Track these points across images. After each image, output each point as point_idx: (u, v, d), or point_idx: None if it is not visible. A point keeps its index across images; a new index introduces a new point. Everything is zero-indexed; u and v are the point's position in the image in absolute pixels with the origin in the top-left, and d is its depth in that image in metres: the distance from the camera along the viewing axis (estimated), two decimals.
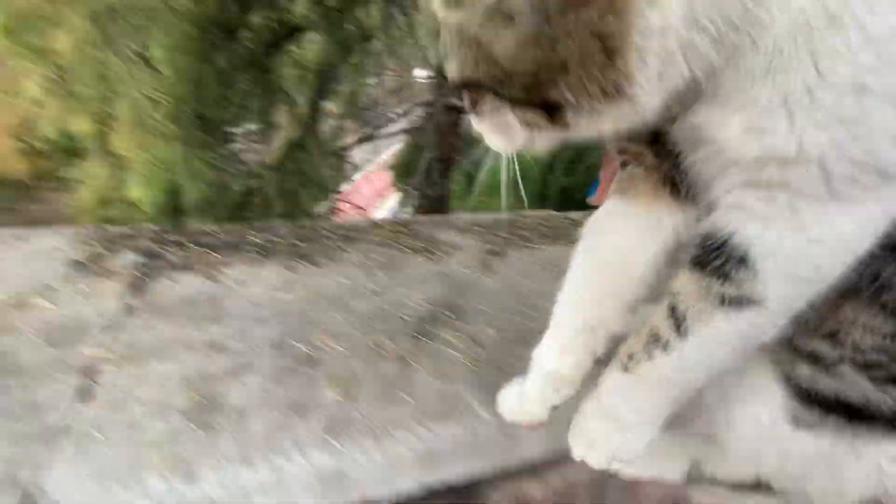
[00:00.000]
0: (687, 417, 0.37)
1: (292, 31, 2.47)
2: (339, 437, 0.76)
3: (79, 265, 1.11)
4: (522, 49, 0.27)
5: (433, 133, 4.01)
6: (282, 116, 3.01)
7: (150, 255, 1.20)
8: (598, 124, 0.30)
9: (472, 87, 0.33)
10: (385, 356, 0.95)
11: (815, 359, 0.33)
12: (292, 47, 2.60)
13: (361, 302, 1.12)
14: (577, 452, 0.42)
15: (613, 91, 0.28)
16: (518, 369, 0.55)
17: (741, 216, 0.31)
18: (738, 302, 0.31)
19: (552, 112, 0.30)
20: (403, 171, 4.92)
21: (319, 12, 2.28)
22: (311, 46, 2.87)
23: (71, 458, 0.68)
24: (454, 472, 0.85)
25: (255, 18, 2.02)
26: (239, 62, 2.03)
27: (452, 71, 0.33)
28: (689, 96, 0.29)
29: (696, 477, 0.42)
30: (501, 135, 0.34)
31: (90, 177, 1.43)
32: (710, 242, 0.33)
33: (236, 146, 2.57)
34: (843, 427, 0.34)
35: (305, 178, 3.16)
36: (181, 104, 1.11)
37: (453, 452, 0.83)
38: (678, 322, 0.33)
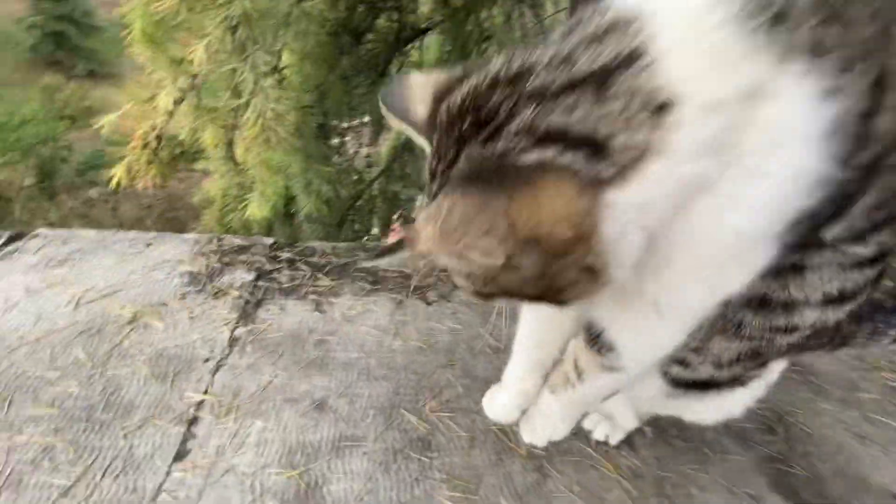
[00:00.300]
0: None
1: (415, 33, 2.38)
2: None
3: (194, 280, 1.08)
4: (527, 284, 0.36)
5: None
6: None
7: (262, 273, 1.13)
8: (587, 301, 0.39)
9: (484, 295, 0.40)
10: (513, 450, 0.76)
11: (684, 363, 0.54)
12: (413, 49, 2.51)
13: (480, 361, 0.94)
14: (526, 438, 0.65)
15: (599, 287, 0.36)
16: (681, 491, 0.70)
17: (609, 321, 0.47)
18: (610, 369, 0.50)
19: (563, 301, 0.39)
20: None
21: (445, 13, 2.15)
22: (429, 49, 2.77)
23: None
24: None
25: (381, 21, 1.94)
26: (361, 66, 1.96)
27: (466, 288, 0.40)
28: None
29: None
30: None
31: (212, 188, 1.47)
32: (592, 330, 0.50)
33: (346, 145, 2.55)
34: (692, 391, 0.57)
35: (409, 180, 3.10)
36: (306, 115, 1.02)
37: None
38: (579, 373, 0.54)
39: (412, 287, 1.15)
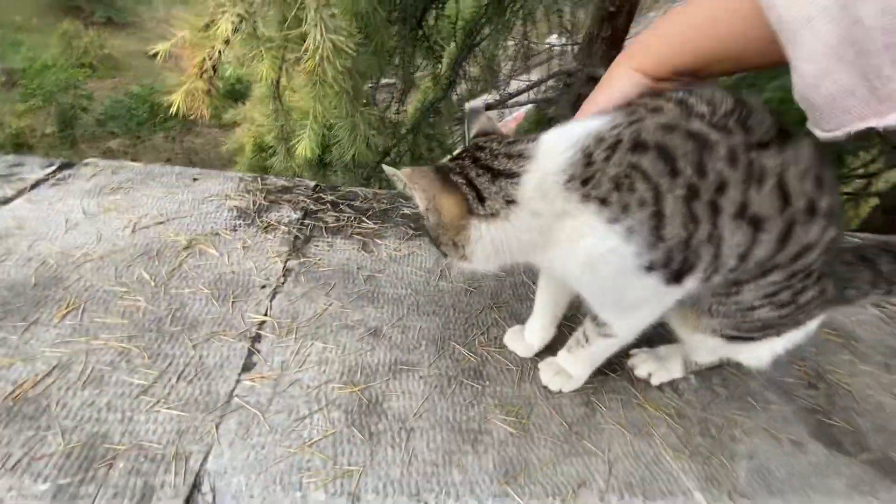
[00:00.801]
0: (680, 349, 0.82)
1: None
2: (520, 489, 0.62)
3: (244, 214, 1.09)
4: (430, 229, 0.67)
5: (570, 104, 3.66)
6: (422, 75, 2.90)
7: (308, 212, 1.15)
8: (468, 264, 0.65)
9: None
10: None
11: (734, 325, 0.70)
12: (448, 2, 2.44)
13: (524, 306, 0.96)
14: (544, 380, 0.78)
15: (461, 258, 0.65)
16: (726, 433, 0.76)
17: (596, 308, 0.68)
18: (606, 336, 0.70)
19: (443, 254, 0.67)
20: None
21: None
22: (466, 3, 2.68)
23: (236, 440, 0.63)
24: None
25: None
26: (398, 15, 1.91)
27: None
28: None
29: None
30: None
31: (246, 135, 1.46)
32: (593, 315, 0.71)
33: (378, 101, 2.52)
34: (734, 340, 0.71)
35: (436, 140, 3.06)
36: (358, 53, 1.00)
37: None
38: (586, 338, 0.73)
39: None
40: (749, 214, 0.55)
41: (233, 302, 0.85)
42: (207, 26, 0.97)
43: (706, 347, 0.74)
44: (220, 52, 0.94)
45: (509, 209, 0.59)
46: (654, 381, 0.81)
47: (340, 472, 0.61)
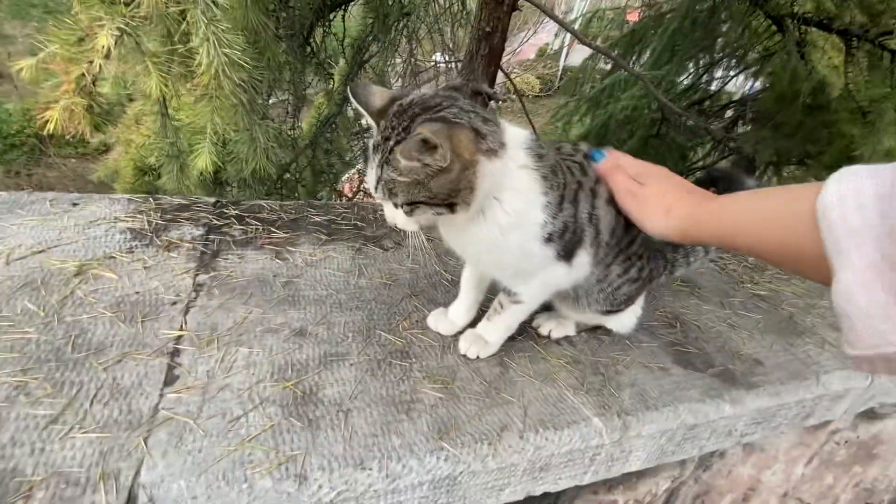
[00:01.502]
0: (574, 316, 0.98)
1: (338, 3, 2.36)
2: (453, 441, 0.70)
3: (139, 235, 1.04)
4: (447, 183, 0.66)
5: None
6: (314, 91, 2.90)
7: (211, 228, 1.12)
8: (466, 212, 0.70)
9: (412, 203, 0.69)
10: None
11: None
12: (335, 20, 2.49)
13: (439, 292, 1.05)
14: (462, 349, 0.88)
15: (471, 200, 0.69)
16: (612, 370, 0.93)
17: (505, 280, 0.84)
18: (517, 302, 0.84)
19: (451, 207, 0.69)
20: None
21: None
22: (352, 22, 2.75)
23: (169, 449, 0.62)
24: (560, 482, 0.80)
25: None
26: (286, 30, 1.93)
27: (402, 199, 0.70)
28: None
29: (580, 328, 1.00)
30: (418, 222, 0.73)
31: (133, 144, 1.35)
32: (503, 284, 0.85)
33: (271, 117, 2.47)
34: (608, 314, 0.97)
35: (335, 155, 3.07)
36: (252, 67, 1.03)
37: (566, 463, 0.77)
38: (501, 305, 0.86)
39: (367, 237, 1.21)
40: (614, 202, 0.81)
41: (142, 321, 0.82)
42: (81, 40, 0.92)
43: (588, 320, 0.98)
44: (100, 66, 0.90)
45: (502, 150, 0.69)
46: (554, 336, 0.96)
47: (284, 458, 0.63)
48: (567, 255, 0.79)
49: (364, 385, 0.77)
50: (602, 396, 0.84)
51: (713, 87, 3.26)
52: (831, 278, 0.45)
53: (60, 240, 0.98)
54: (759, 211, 0.59)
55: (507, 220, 0.72)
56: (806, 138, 2.34)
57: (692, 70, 3.16)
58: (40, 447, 0.59)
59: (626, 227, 0.83)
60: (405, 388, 0.78)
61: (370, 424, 0.70)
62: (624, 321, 0.98)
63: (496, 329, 0.88)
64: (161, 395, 0.69)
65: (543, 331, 0.97)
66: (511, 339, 0.91)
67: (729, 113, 3.20)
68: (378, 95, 0.72)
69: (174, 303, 0.87)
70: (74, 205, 1.12)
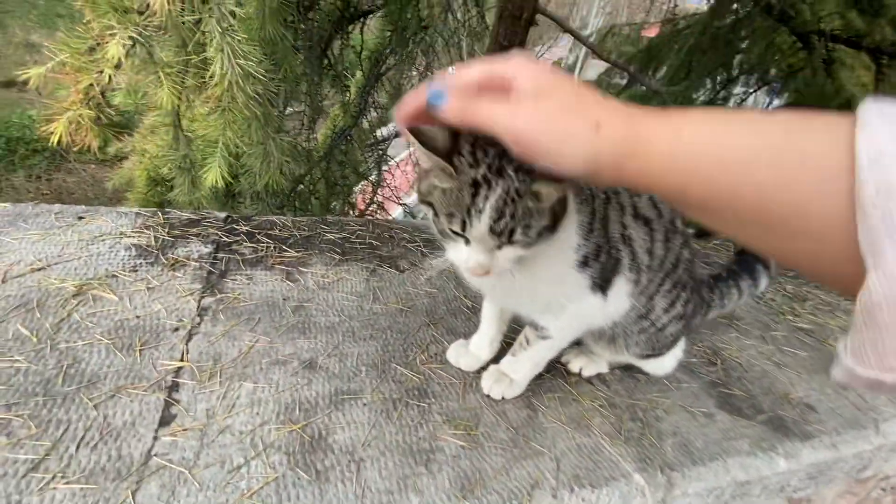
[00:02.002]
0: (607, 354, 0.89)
1: (356, 16, 2.34)
2: (478, 501, 0.62)
3: (145, 252, 0.98)
4: (546, 213, 0.60)
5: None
6: (330, 102, 2.88)
7: (220, 245, 1.06)
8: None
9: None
10: None
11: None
12: (353, 32, 2.47)
13: (459, 320, 0.98)
14: (485, 388, 0.81)
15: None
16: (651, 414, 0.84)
17: (535, 316, 0.76)
18: (544, 338, 0.76)
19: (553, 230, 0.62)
20: None
21: None
22: (370, 35, 2.74)
23: None
24: None
25: None
26: (305, 41, 1.90)
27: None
28: None
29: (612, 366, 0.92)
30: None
31: (147, 154, 1.31)
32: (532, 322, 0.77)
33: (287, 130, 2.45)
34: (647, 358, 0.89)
35: (349, 167, 3.04)
36: (267, 79, 0.98)
37: None
38: (528, 341, 0.79)
39: (382, 257, 1.15)
40: (642, 215, 0.72)
41: (140, 350, 0.75)
42: (92, 50, 0.88)
43: (624, 362, 0.90)
44: (110, 76, 0.85)
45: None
46: (585, 374, 0.88)
47: None
48: (603, 283, 0.71)
49: (379, 429, 0.70)
50: (642, 447, 0.76)
51: (731, 104, 3.19)
52: (858, 273, 0.31)
53: (62, 256, 0.93)
54: (741, 148, 0.36)
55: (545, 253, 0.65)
56: None
57: (709, 86, 3.08)
58: (16, 499, 0.53)
59: (665, 242, 0.75)
60: (424, 434, 0.70)
61: (385, 478, 0.62)
62: (665, 364, 0.89)
63: (522, 366, 0.80)
64: (155, 438, 0.62)
65: (574, 367, 0.88)
66: (539, 376, 0.83)
67: None
68: (440, 136, 0.56)
69: (176, 329, 0.81)
70: (80, 218, 1.07)
